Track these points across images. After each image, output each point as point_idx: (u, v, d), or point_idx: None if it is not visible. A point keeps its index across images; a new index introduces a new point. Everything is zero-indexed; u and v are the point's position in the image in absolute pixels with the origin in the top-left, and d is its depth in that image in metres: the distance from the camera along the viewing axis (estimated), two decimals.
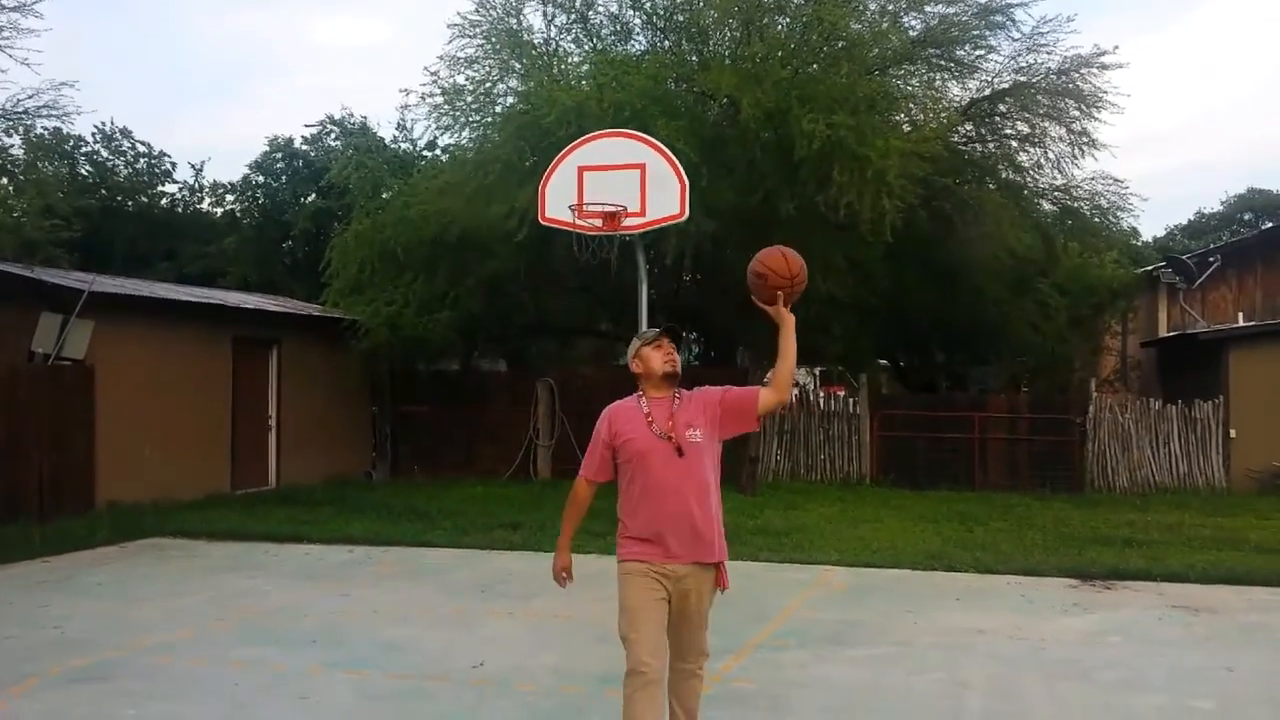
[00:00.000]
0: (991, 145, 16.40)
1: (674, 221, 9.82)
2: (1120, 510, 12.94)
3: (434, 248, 15.27)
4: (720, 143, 13.23)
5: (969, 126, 15.91)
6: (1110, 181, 16.70)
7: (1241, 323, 18.25)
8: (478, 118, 15.03)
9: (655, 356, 4.06)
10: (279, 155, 25.09)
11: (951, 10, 14.74)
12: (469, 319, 16.07)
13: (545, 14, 15.57)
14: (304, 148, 25.20)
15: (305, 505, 13.16)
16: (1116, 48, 17.92)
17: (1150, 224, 60.28)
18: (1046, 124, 15.46)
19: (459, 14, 14.87)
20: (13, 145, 16.70)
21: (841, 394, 18.71)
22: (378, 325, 15.36)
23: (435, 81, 15.02)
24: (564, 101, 12.54)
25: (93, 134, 25.68)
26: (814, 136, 11.93)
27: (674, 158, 9.73)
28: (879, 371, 22.39)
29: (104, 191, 25.08)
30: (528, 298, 17.27)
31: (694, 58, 14.70)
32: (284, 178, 24.95)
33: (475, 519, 11.99)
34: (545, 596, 7.58)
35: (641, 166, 9.51)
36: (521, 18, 15.23)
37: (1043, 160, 16.11)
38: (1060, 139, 15.57)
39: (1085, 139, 15.35)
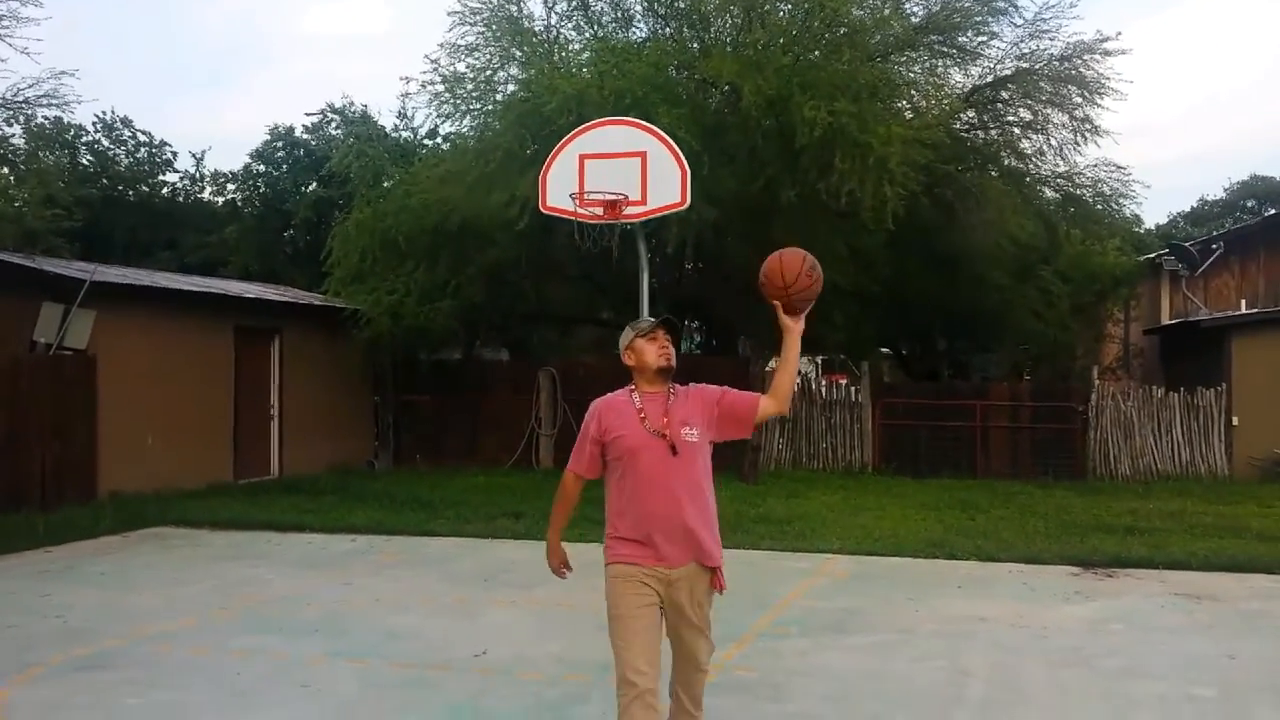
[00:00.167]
0: (994, 132, 16.36)
1: (675, 210, 9.80)
2: (1122, 498, 12.93)
3: (435, 236, 15.26)
4: (722, 130, 13.20)
5: (971, 113, 15.88)
6: (1113, 168, 16.70)
7: (1244, 310, 18.21)
8: (479, 106, 15.02)
9: (649, 349, 3.83)
10: (280, 144, 25.08)
11: None
12: (470, 308, 16.07)
13: (546, 1, 15.56)
14: (305, 136, 25.19)
15: (308, 494, 13.17)
16: (1119, 34, 17.78)
17: (1153, 211, 60.22)
18: (1049, 110, 15.44)
19: (460, 1, 14.84)
20: (13, 135, 16.69)
21: (844, 382, 18.72)
22: (379, 314, 15.36)
23: (436, 69, 15.02)
24: (565, 89, 12.51)
25: (93, 123, 25.70)
26: (815, 124, 11.90)
27: (675, 146, 9.70)
28: (881, 360, 22.38)
29: (105, 181, 25.06)
30: (529, 286, 17.27)
31: (695, 45, 14.66)
32: (285, 167, 24.94)
33: (478, 508, 12.00)
34: (548, 585, 7.53)
35: (643, 154, 9.47)
36: (522, 5, 15.22)
37: (1045, 147, 16.11)
38: (1063, 126, 15.57)
39: (1088, 126, 15.34)
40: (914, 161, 12.47)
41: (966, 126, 16.02)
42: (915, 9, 14.83)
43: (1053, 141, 15.90)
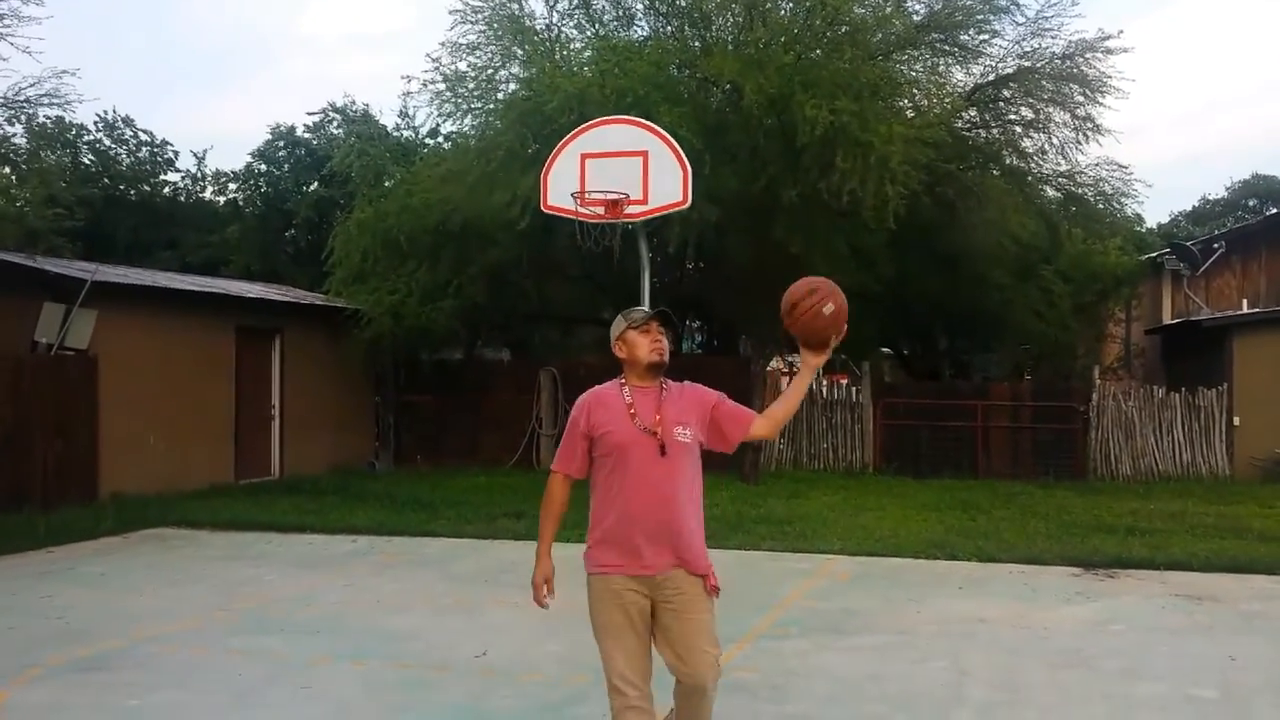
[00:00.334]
0: (995, 131, 16.32)
1: (677, 209, 9.81)
2: (1123, 498, 12.92)
3: (437, 236, 15.26)
4: (723, 129, 13.18)
5: (973, 112, 15.85)
6: (1114, 167, 16.65)
7: (1245, 309, 18.20)
8: (480, 105, 15.00)
9: (642, 343, 3.66)
10: (281, 143, 25.08)
11: None
12: (472, 308, 16.07)
13: (547, 0, 15.52)
14: (306, 136, 25.19)
15: (309, 495, 13.18)
16: (1121, 32, 17.78)
17: (1154, 210, 60.18)
18: (1050, 109, 15.39)
19: (461, 0, 14.83)
20: (15, 134, 16.69)
21: (844, 382, 18.69)
22: (381, 314, 15.36)
23: (437, 68, 14.99)
24: (566, 88, 12.50)
25: (95, 123, 25.68)
26: (817, 122, 11.87)
27: (677, 145, 9.71)
28: (882, 359, 22.37)
29: (106, 180, 25.05)
30: (530, 286, 17.27)
31: (696, 43, 14.64)
32: (286, 166, 24.94)
33: (478, 508, 12.00)
34: (552, 598, 7.56)
35: (644, 154, 9.49)
36: (523, 3, 15.19)
37: (1047, 146, 16.05)
38: (1064, 124, 15.51)
39: (1089, 124, 15.29)
40: (915, 160, 12.45)
41: (968, 125, 15.99)
42: (917, 7, 14.82)
43: (1054, 140, 15.86)
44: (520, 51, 14.87)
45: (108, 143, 25.92)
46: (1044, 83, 15.12)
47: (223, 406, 14.30)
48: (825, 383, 19.12)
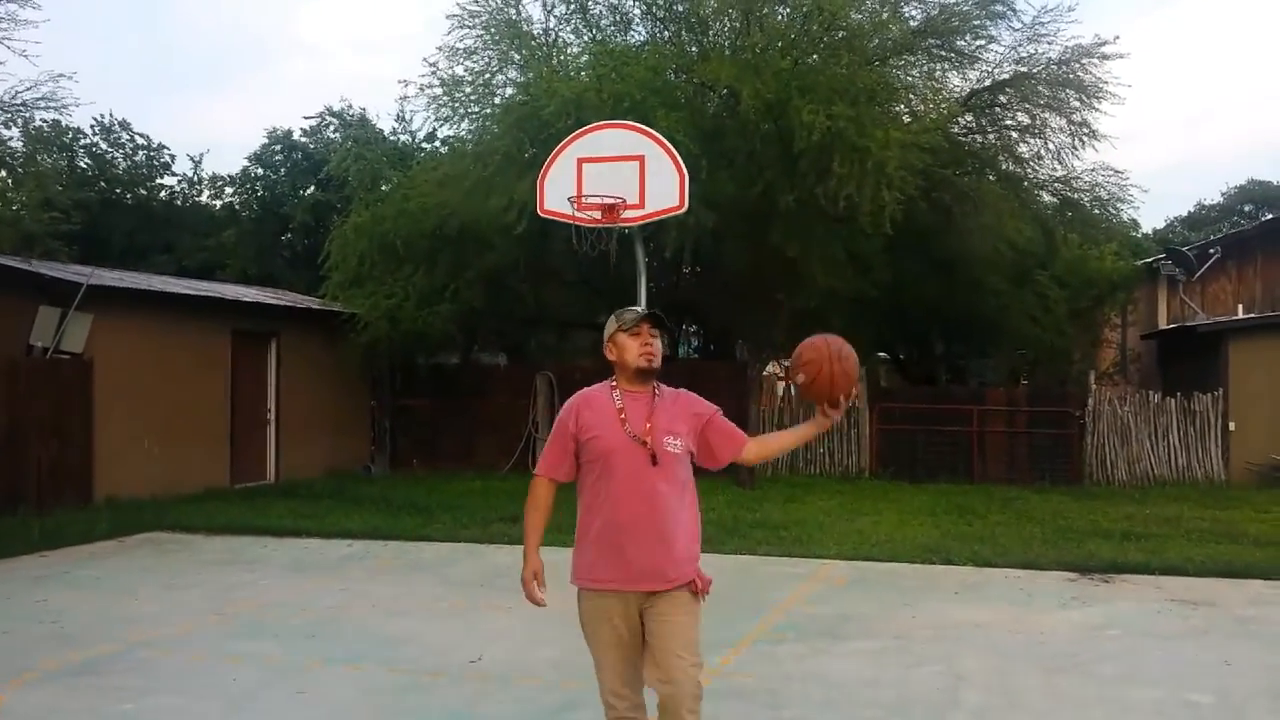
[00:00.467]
0: (992, 136, 16.35)
1: (673, 214, 9.81)
2: (1119, 503, 12.93)
3: (433, 240, 15.26)
4: (720, 134, 13.21)
5: (969, 117, 15.88)
6: (1110, 173, 16.66)
7: (1241, 315, 18.22)
8: (477, 109, 15.02)
9: (632, 346, 3.49)
10: (278, 147, 25.08)
11: (952, 0, 14.71)
12: (468, 312, 16.07)
13: (544, 4, 15.55)
14: (303, 140, 25.18)
15: (304, 499, 13.15)
16: (1117, 37, 17.76)
17: (1150, 216, 60.13)
18: (1047, 115, 15.41)
19: (458, 4, 14.85)
20: (11, 137, 16.66)
21: None
22: (377, 318, 15.35)
23: (434, 72, 15.01)
24: (563, 93, 12.51)
25: (91, 126, 25.65)
26: (814, 128, 11.90)
27: (673, 149, 9.71)
28: (878, 364, 22.37)
29: (103, 184, 25.02)
30: (527, 291, 17.28)
31: (694, 48, 14.67)
32: (283, 170, 24.94)
33: (474, 512, 11.98)
34: (544, 590, 7.56)
35: (641, 158, 9.49)
36: (520, 8, 15.21)
37: (1043, 151, 16.07)
38: (1060, 130, 15.54)
39: (1085, 130, 15.31)
40: (912, 166, 12.47)
41: (964, 131, 16.02)
42: (913, 13, 14.84)
43: (1050, 146, 15.89)
44: (517, 56, 14.89)
45: (104, 146, 25.91)
46: (1040, 88, 15.14)
47: (218, 410, 14.28)
48: None
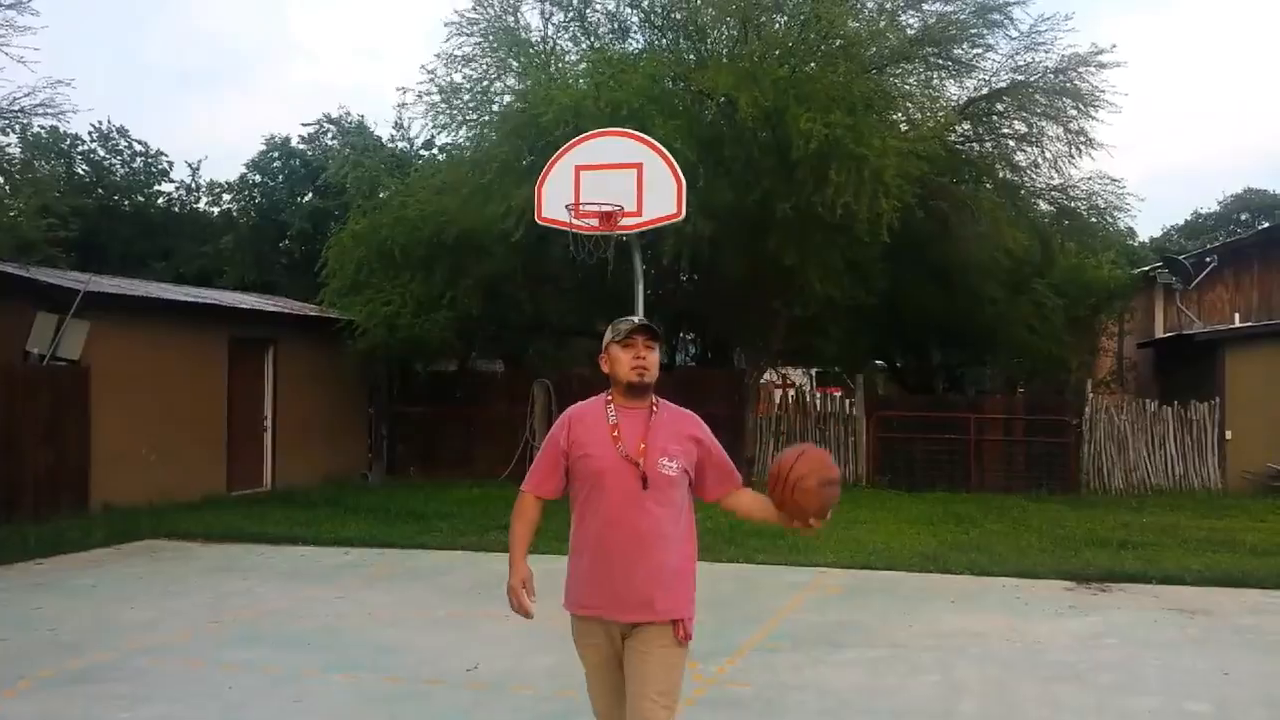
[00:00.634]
0: (989, 144, 16.39)
1: (671, 221, 9.82)
2: (1116, 512, 12.94)
3: (431, 247, 15.25)
4: (718, 142, 13.23)
5: (966, 126, 15.92)
6: (1107, 181, 16.71)
7: (1238, 323, 18.27)
8: (475, 117, 15.05)
9: (623, 359, 3.30)
10: (276, 154, 25.08)
11: (949, 8, 14.78)
12: (466, 319, 16.05)
13: (543, 12, 15.61)
14: (301, 147, 25.19)
15: (301, 506, 13.14)
16: (1114, 46, 17.86)
17: (1147, 224, 60.33)
18: (1044, 123, 15.45)
19: (456, 12, 14.96)
20: (9, 144, 16.67)
21: (838, 395, 18.71)
22: (375, 325, 15.33)
23: (433, 80, 15.03)
24: (561, 100, 12.54)
25: (89, 133, 25.64)
26: (811, 136, 11.92)
27: (671, 157, 9.73)
28: (875, 372, 22.39)
29: (100, 191, 25.02)
30: (525, 298, 17.27)
31: (691, 56, 14.70)
32: (281, 177, 24.94)
33: (471, 520, 11.97)
34: (541, 599, 7.49)
35: (638, 166, 9.51)
36: (519, 16, 15.27)
37: (1040, 160, 16.11)
38: (1057, 138, 15.57)
39: (1082, 138, 15.35)
40: (909, 174, 12.50)
41: (961, 139, 16.06)
42: (911, 21, 14.88)
43: (1047, 154, 15.92)
44: (515, 64, 14.93)
45: (102, 153, 25.92)
46: (1037, 96, 15.18)
47: (215, 417, 14.26)
48: (819, 395, 19.15)
